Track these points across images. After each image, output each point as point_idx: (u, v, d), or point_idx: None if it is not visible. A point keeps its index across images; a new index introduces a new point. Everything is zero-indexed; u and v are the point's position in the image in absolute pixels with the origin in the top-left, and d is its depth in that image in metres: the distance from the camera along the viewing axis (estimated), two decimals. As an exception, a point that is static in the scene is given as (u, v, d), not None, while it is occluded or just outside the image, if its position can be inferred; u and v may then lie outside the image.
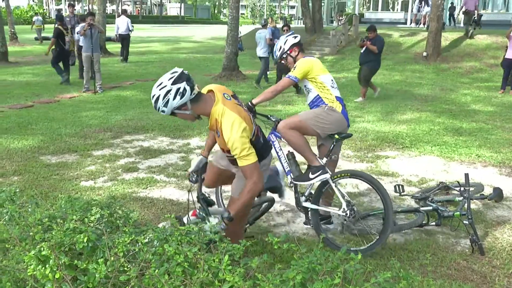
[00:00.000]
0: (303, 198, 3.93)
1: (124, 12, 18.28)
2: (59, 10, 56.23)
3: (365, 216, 3.97)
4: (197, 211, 2.81)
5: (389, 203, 3.45)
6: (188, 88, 2.54)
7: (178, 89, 2.53)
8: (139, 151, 6.24)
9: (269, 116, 4.01)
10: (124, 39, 17.32)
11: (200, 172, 3.13)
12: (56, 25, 11.99)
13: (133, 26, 17.56)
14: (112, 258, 1.89)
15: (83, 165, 5.61)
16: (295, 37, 4.01)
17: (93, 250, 2.01)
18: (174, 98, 2.53)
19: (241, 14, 14.43)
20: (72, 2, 15.92)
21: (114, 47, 20.85)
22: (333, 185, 3.67)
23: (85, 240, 1.96)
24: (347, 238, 3.86)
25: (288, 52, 3.98)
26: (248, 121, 2.66)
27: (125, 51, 17.41)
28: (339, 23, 21.84)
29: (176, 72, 2.59)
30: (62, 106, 9.25)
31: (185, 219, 2.86)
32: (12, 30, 23.21)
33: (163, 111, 2.59)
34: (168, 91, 2.53)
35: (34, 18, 27.37)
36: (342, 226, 3.84)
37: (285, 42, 4.00)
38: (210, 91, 2.74)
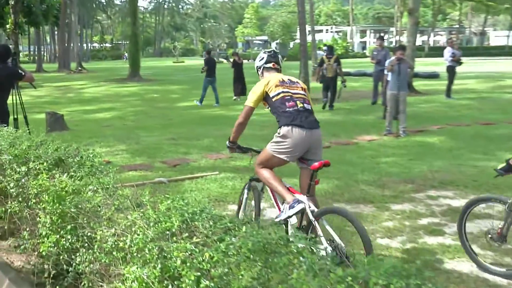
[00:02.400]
0: None
1: (448, 42, 20.50)
2: (363, 43, 60.95)
3: None
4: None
5: None
6: (265, 58, 4.53)
7: (261, 55, 4.62)
8: (445, 211, 6.00)
9: None
10: (449, 72, 17.85)
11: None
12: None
13: (452, 57, 17.56)
14: None
15: (380, 219, 5.73)
16: None
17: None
18: (257, 58, 4.69)
19: None
20: (382, 35, 17.21)
21: (420, 84, 21.11)
22: None
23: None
24: None
25: None
26: (275, 83, 4.30)
27: (447, 85, 17.93)
28: None
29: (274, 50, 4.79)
30: (360, 149, 9.82)
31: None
32: (314, 66, 26.22)
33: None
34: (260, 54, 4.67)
35: (318, 52, 30.19)
36: None
37: None
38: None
